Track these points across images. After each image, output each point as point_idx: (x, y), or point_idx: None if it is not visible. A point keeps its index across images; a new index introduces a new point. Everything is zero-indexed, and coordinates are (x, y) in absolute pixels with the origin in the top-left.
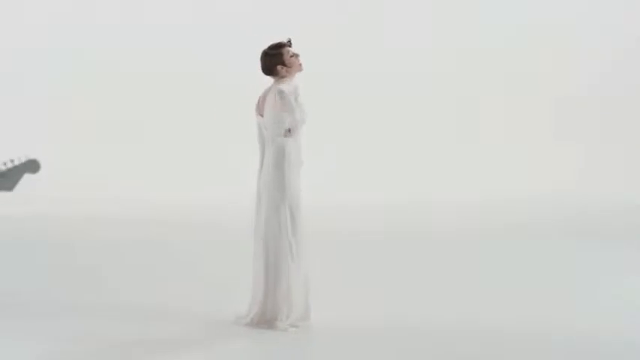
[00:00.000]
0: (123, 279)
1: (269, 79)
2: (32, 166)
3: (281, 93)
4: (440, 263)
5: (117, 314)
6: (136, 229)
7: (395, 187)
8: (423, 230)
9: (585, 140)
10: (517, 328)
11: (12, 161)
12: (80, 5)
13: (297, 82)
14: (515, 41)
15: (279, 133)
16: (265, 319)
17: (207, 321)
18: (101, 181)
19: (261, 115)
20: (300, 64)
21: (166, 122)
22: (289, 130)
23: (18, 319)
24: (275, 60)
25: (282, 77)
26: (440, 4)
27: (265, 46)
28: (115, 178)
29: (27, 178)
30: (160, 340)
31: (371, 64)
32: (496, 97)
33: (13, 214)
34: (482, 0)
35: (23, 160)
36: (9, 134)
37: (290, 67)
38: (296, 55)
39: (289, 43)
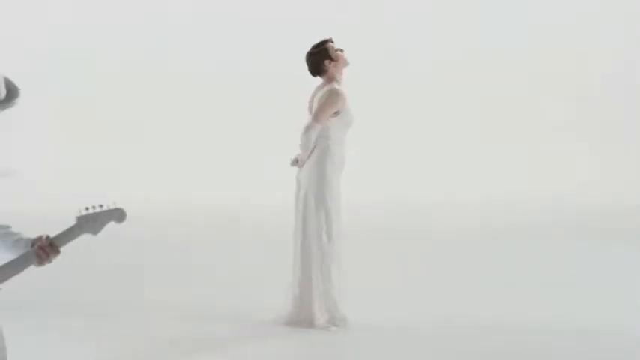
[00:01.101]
0: (165, 278)
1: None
2: (118, 214)
3: (333, 91)
4: (465, 262)
5: (160, 313)
6: (170, 230)
7: (417, 187)
8: (444, 229)
9: (593, 140)
10: (544, 325)
11: (100, 206)
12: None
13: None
14: (525, 42)
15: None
16: (303, 318)
17: (245, 320)
18: (131, 182)
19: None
20: (346, 59)
21: (190, 123)
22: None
23: (75, 317)
24: (321, 56)
25: (331, 75)
26: (449, 4)
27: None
28: (140, 179)
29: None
30: (201, 338)
31: (382, 66)
32: (509, 99)
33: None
34: (490, 1)
35: (112, 207)
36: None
37: (337, 61)
38: (340, 50)
39: (331, 40)
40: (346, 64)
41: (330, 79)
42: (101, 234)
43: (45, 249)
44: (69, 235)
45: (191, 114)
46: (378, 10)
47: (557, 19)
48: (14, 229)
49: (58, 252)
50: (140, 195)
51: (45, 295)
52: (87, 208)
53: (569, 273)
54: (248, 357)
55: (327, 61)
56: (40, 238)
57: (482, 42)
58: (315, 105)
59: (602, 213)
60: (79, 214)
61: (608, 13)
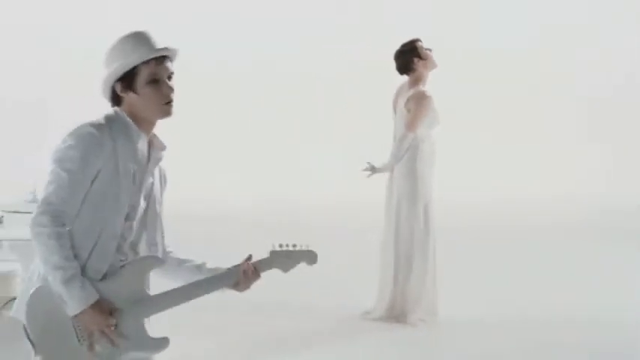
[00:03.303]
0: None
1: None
2: (310, 256)
3: (421, 94)
4: (541, 257)
5: (253, 310)
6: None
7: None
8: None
9: (613, 141)
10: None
11: (294, 245)
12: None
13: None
14: (539, 42)
15: (410, 137)
16: (395, 314)
17: (339, 316)
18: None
19: (394, 113)
20: (434, 60)
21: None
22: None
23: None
24: (411, 54)
25: (419, 74)
26: (456, 4)
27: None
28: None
29: None
30: (296, 335)
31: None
32: (519, 99)
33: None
34: (505, 1)
35: (304, 248)
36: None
37: (425, 61)
38: (429, 50)
39: (420, 40)
40: (434, 65)
41: (417, 79)
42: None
43: (249, 273)
44: (262, 266)
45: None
46: (378, 10)
47: (572, 19)
48: (209, 265)
49: (258, 277)
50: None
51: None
52: (280, 245)
53: None
54: (344, 353)
55: (416, 59)
56: (244, 263)
57: (497, 41)
58: (402, 105)
59: None
60: (272, 249)
61: (622, 14)
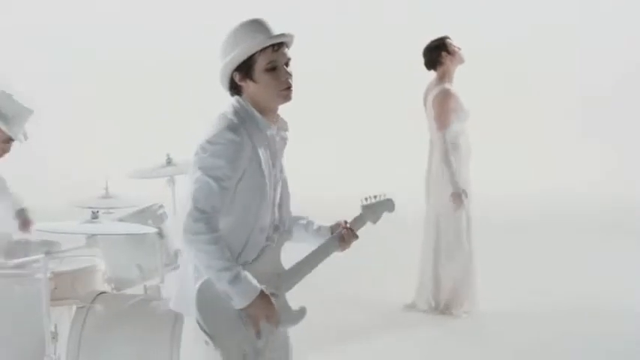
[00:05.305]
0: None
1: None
2: (390, 204)
3: (444, 91)
4: (579, 249)
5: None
6: None
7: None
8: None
9: (611, 139)
10: None
11: (375, 197)
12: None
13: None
14: (539, 41)
15: (444, 132)
16: (439, 307)
17: (378, 308)
18: None
19: (426, 110)
20: (462, 56)
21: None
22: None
23: None
24: (439, 50)
25: (446, 69)
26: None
27: None
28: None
29: None
30: (343, 326)
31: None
32: (521, 96)
33: None
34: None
35: (385, 197)
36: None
37: (453, 56)
38: (458, 47)
39: (449, 37)
40: (462, 60)
41: (444, 74)
42: None
43: (348, 234)
44: (358, 222)
45: None
46: (378, 10)
47: (579, 18)
48: (310, 218)
49: (356, 237)
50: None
51: None
52: (366, 199)
53: None
54: (392, 345)
55: (444, 53)
56: (338, 224)
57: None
58: (429, 104)
59: None
60: (364, 204)
61: (621, 11)
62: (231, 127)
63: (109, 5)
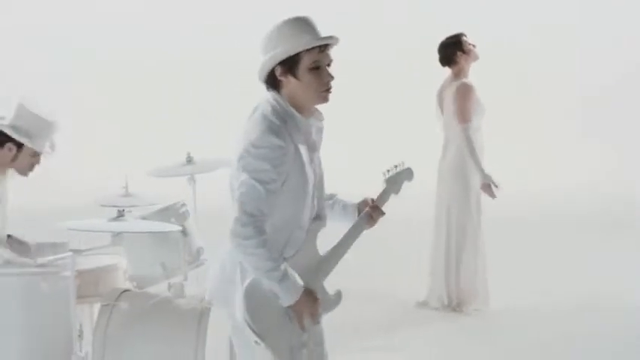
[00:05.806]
0: None
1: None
2: (409, 173)
3: (465, 86)
4: (588, 246)
5: None
6: None
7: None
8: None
9: (610, 138)
10: None
11: (395, 167)
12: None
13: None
14: (539, 40)
15: (464, 127)
16: (450, 304)
17: (391, 305)
18: None
19: (440, 107)
20: (477, 53)
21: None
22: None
23: None
24: (455, 47)
25: (460, 67)
26: (455, 2)
27: None
28: None
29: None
30: (351, 323)
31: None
32: (523, 95)
33: None
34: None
35: (402, 167)
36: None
37: (468, 55)
38: (473, 45)
39: (464, 35)
40: (476, 58)
41: (458, 72)
42: None
43: (375, 212)
44: (383, 197)
45: None
46: (378, 10)
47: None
48: (339, 197)
49: (383, 213)
50: None
51: None
52: (388, 170)
53: None
54: (405, 341)
55: (459, 52)
56: (364, 202)
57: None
58: (447, 100)
59: None
60: (386, 177)
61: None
62: (274, 131)
63: (109, 5)
